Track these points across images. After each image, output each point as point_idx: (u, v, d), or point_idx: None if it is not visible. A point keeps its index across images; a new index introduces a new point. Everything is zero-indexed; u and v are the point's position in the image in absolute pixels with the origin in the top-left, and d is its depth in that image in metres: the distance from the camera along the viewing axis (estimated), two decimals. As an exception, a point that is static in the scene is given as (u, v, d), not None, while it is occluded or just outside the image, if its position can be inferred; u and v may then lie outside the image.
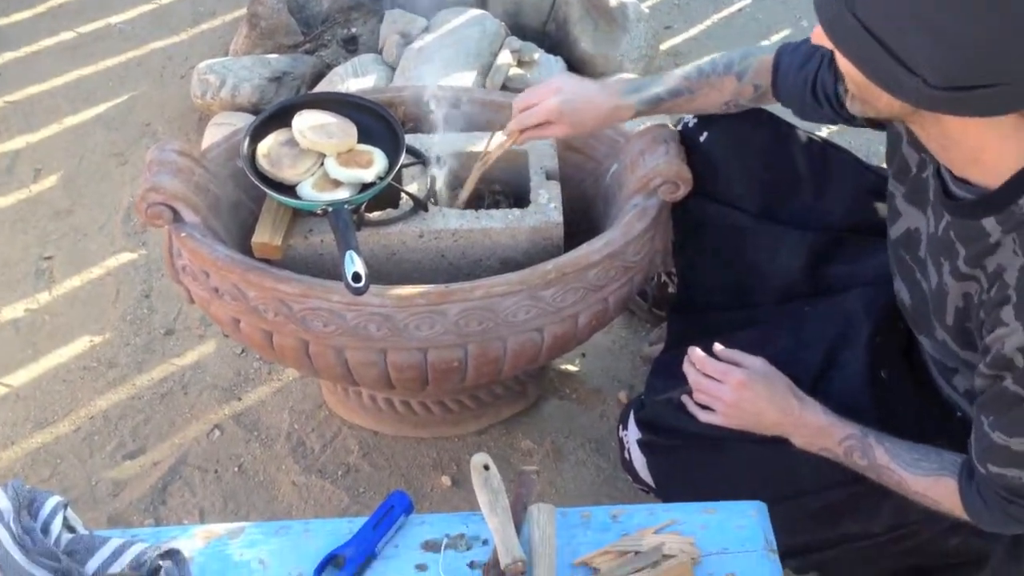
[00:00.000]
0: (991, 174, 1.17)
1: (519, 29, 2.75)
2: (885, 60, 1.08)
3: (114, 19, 3.11)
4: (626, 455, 1.64)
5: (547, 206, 1.69)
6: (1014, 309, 1.16)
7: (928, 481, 1.33)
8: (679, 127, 1.75)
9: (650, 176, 1.66)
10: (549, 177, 1.74)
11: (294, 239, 1.66)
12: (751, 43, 2.99)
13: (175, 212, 1.65)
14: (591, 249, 1.61)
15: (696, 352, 1.50)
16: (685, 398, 1.53)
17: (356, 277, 1.45)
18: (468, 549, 1.28)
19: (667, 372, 1.63)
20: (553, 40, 2.76)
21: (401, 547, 1.28)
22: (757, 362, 1.47)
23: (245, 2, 3.00)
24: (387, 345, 1.59)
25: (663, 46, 2.96)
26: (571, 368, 2.16)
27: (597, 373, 2.16)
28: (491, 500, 1.27)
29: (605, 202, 1.81)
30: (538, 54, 2.59)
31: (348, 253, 1.47)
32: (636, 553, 1.23)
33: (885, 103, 1.15)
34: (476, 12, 2.65)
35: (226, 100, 2.57)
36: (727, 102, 1.65)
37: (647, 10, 2.86)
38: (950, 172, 1.24)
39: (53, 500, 1.28)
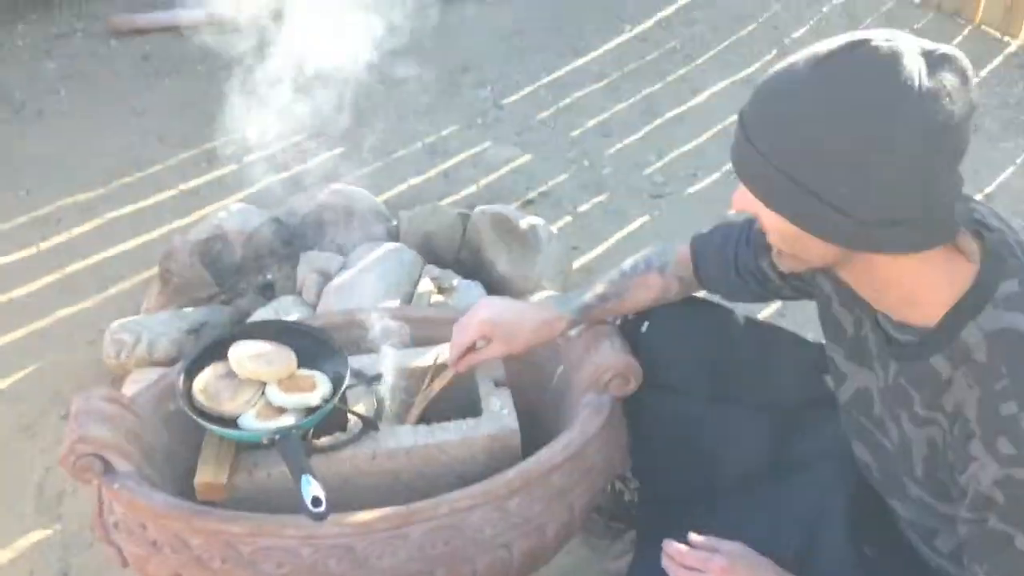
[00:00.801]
0: (930, 313, 1.18)
1: (433, 259, 2.79)
2: (814, 205, 1.10)
3: (16, 292, 3.04)
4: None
5: (500, 413, 1.65)
6: (981, 442, 1.14)
7: None
8: (619, 322, 1.76)
9: (599, 372, 1.64)
10: (498, 384, 1.71)
11: (238, 476, 1.56)
12: (656, 255, 3.11)
13: (105, 463, 1.54)
14: (552, 452, 1.56)
15: (672, 545, 1.43)
16: None
17: (316, 501, 1.36)
18: None
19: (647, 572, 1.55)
20: (468, 267, 2.81)
21: None
22: (736, 546, 1.41)
23: (153, 263, 2.99)
24: (348, 581, 1.47)
25: (575, 265, 3.04)
26: (535, 592, 2.03)
27: (562, 595, 2.04)
28: None
29: (554, 408, 1.78)
30: (456, 280, 2.62)
31: (304, 477, 1.39)
32: None
33: (817, 252, 1.17)
34: (392, 245, 2.69)
35: (142, 357, 2.49)
36: (656, 299, 1.68)
37: (555, 231, 2.95)
38: (888, 319, 1.25)
39: None
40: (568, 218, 3.34)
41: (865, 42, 1.08)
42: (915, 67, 1.06)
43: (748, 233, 1.57)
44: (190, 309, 2.67)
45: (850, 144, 1.07)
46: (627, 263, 1.71)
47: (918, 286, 1.17)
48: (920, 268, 1.16)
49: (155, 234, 3.30)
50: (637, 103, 4.10)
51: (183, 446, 1.69)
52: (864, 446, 1.42)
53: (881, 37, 1.08)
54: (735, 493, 1.64)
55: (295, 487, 1.41)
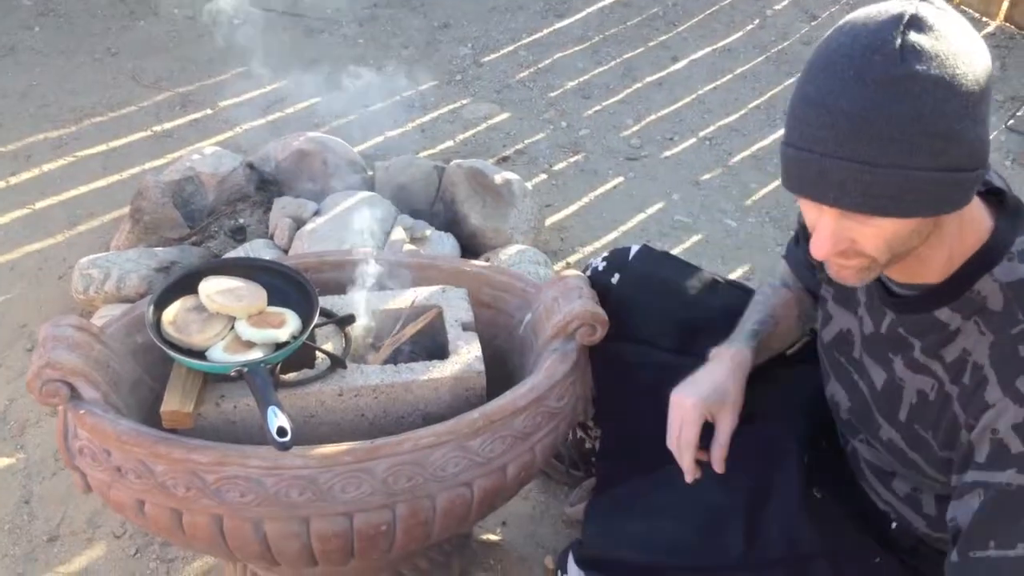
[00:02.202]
0: (938, 271, 1.20)
1: (407, 209, 2.80)
2: (957, 181, 1.08)
3: (-15, 225, 3.02)
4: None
5: (467, 355, 1.67)
6: (998, 386, 1.13)
7: None
8: (589, 272, 1.78)
9: (567, 320, 1.66)
10: (466, 329, 1.73)
11: (204, 407, 1.57)
12: (626, 218, 3.14)
13: (72, 389, 1.54)
14: (516, 395, 1.58)
15: None
16: None
17: (281, 432, 1.37)
18: None
19: (602, 514, 1.58)
20: (442, 218, 2.82)
21: None
22: None
23: (124, 202, 2.98)
24: (310, 512, 1.49)
25: (547, 222, 3.06)
26: (493, 538, 2.07)
27: (520, 541, 2.08)
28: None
29: (521, 354, 1.80)
30: (430, 231, 2.63)
31: (270, 408, 1.40)
32: None
33: (918, 237, 1.13)
34: (366, 194, 2.69)
35: (111, 293, 2.48)
36: (798, 315, 1.63)
37: (530, 188, 2.96)
38: (890, 278, 1.26)
39: None
40: (543, 176, 3.36)
41: (902, 16, 1.06)
42: (950, 16, 1.08)
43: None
44: (160, 248, 2.66)
45: (963, 108, 1.05)
46: (762, 290, 1.67)
47: (933, 247, 1.17)
48: (951, 230, 1.16)
49: (126, 174, 3.28)
50: (617, 67, 4.11)
51: (150, 378, 1.70)
52: (840, 385, 1.44)
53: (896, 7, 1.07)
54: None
55: (261, 418, 1.42)
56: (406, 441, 1.49)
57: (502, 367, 1.83)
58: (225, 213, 2.84)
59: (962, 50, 1.05)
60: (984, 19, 4.36)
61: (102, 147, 3.45)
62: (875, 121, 1.03)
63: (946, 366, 1.22)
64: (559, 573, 1.60)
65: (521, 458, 1.61)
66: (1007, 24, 4.30)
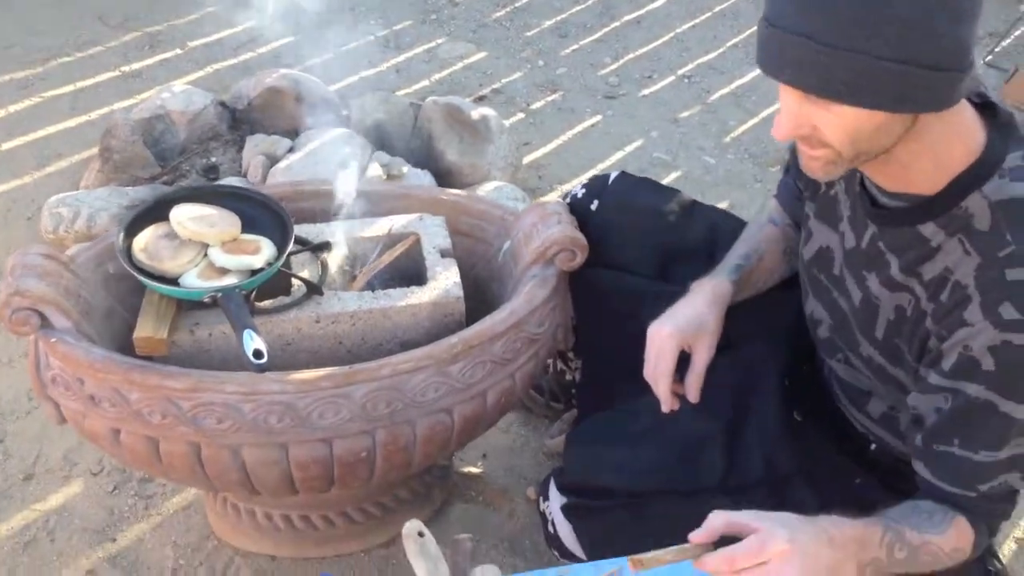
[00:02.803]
0: (929, 181, 1.17)
1: (383, 147, 2.76)
2: (928, 80, 1.04)
3: (-49, 167, 2.95)
4: (550, 528, 1.54)
5: (446, 282, 1.65)
6: (980, 308, 1.12)
7: (953, 531, 1.20)
8: (568, 200, 1.76)
9: (546, 245, 1.65)
10: (444, 255, 1.70)
11: (178, 335, 1.55)
12: (604, 155, 3.11)
13: (42, 318, 1.51)
14: (495, 320, 1.57)
15: (714, 558, 1.14)
16: None
17: (257, 354, 1.35)
18: (408, 629, 1.16)
19: (583, 442, 1.57)
20: (418, 155, 2.78)
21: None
22: (782, 519, 1.15)
23: (93, 143, 2.92)
24: (289, 439, 1.47)
25: (525, 160, 3.02)
26: (474, 470, 2.07)
27: (501, 473, 2.07)
28: (430, 568, 1.17)
29: (500, 282, 1.78)
30: (407, 167, 2.60)
31: (246, 332, 1.38)
32: (590, 609, 1.14)
33: (886, 135, 1.10)
34: (341, 131, 2.64)
35: (81, 232, 2.44)
36: (783, 249, 1.60)
37: (507, 126, 2.93)
38: (878, 187, 1.24)
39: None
40: (520, 115, 3.32)
41: None
42: None
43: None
44: (130, 188, 2.61)
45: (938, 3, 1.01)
46: (748, 228, 1.65)
47: (915, 153, 1.14)
48: (934, 138, 1.13)
49: (95, 115, 3.22)
50: (594, 5, 4.05)
51: (123, 308, 1.67)
52: (819, 303, 1.43)
53: None
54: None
55: (237, 341, 1.40)
56: (385, 366, 1.48)
57: (481, 297, 1.81)
58: (197, 152, 2.79)
59: None
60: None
61: (69, 88, 3.38)
62: (837, 0, 1.01)
63: (924, 283, 1.21)
64: (541, 501, 1.60)
65: (501, 384, 1.60)
66: (986, -39, 4.26)
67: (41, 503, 1.96)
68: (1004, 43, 3.73)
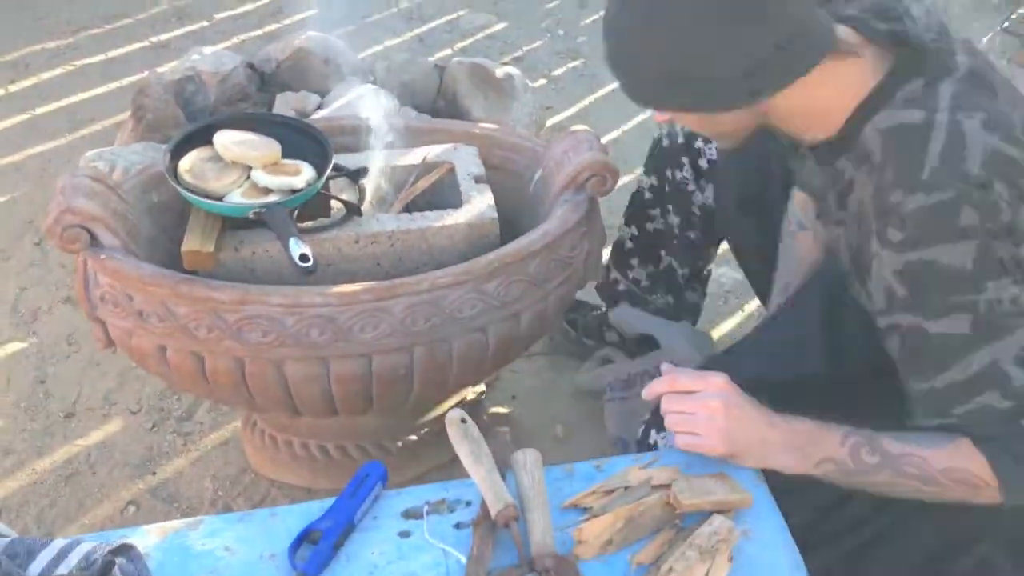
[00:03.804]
0: (827, 127, 1.22)
1: (410, 106, 2.79)
2: (693, 89, 1.15)
3: (-14, 130, 3.02)
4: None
5: (481, 205, 1.68)
6: (876, 236, 1.14)
7: (948, 450, 1.17)
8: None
9: (578, 170, 1.68)
10: (478, 181, 1.74)
11: (223, 253, 1.59)
12: (627, 119, 3.14)
13: (92, 236, 1.55)
14: (530, 240, 1.60)
15: (666, 365, 1.30)
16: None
17: (304, 257, 1.39)
18: (451, 512, 1.20)
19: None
20: (444, 114, 2.81)
21: (380, 517, 1.19)
22: (720, 383, 1.23)
23: (124, 108, 2.97)
24: (330, 353, 1.51)
25: (548, 123, 3.06)
26: (503, 410, 2.10)
27: (530, 413, 2.11)
28: (473, 449, 1.20)
29: (531, 212, 1.81)
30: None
31: (292, 239, 1.42)
32: (625, 488, 1.18)
33: (730, 122, 1.23)
34: (369, 87, 2.68)
35: (118, 184, 2.48)
36: (819, 247, 1.62)
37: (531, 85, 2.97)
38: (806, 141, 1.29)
39: (-17, 504, 1.14)
40: (543, 81, 3.36)
41: None
42: None
43: None
44: (165, 144, 2.66)
45: (676, 25, 1.11)
46: (785, 241, 1.69)
47: (828, 105, 1.20)
48: (815, 92, 1.18)
49: (125, 82, 3.27)
50: (614, -21, 4.08)
51: (165, 237, 1.71)
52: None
53: None
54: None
55: (283, 248, 1.44)
56: (424, 280, 1.52)
57: (513, 231, 1.84)
58: (227, 112, 2.83)
59: None
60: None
61: (100, 57, 3.44)
62: (610, 35, 1.19)
63: (851, 217, 1.24)
64: (654, 433, 1.51)
65: (535, 306, 1.63)
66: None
67: (82, 439, 2.01)
68: (1021, 10, 3.74)
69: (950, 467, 1.16)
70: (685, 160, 1.87)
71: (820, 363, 1.49)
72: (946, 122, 1.12)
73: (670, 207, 1.94)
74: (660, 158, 1.93)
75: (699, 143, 1.85)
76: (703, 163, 1.88)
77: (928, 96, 1.15)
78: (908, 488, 1.17)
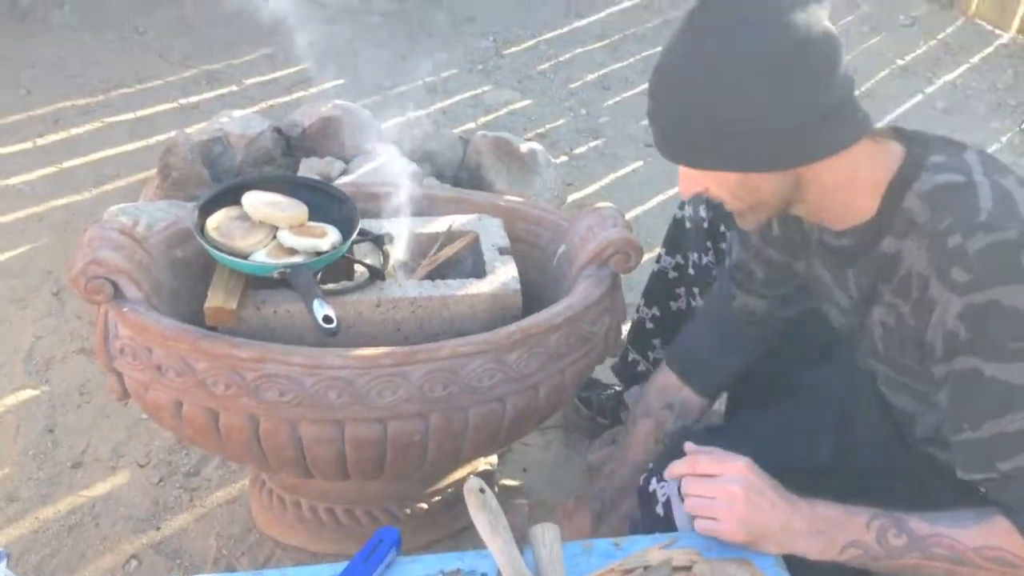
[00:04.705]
0: (862, 210, 1.25)
1: (433, 176, 2.83)
2: (744, 145, 1.17)
3: (13, 180, 3.05)
4: (659, 510, 1.45)
5: (505, 276, 1.69)
6: (939, 282, 1.16)
7: (981, 529, 1.15)
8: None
9: (602, 246, 1.69)
10: (502, 252, 1.75)
11: (245, 311, 1.59)
12: (645, 199, 3.18)
13: (116, 288, 1.56)
14: (552, 313, 1.61)
15: (689, 445, 1.29)
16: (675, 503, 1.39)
17: (327, 319, 1.39)
18: (466, 583, 1.17)
19: (698, 437, 1.48)
20: (467, 186, 2.84)
21: (393, 584, 1.17)
22: (742, 467, 1.22)
23: (149, 165, 3.01)
24: (346, 416, 1.51)
25: (568, 199, 3.09)
26: (514, 482, 2.08)
27: (541, 486, 2.08)
28: (491, 521, 1.19)
29: (554, 287, 1.82)
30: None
31: (316, 300, 1.42)
32: (645, 568, 1.16)
33: (768, 190, 1.23)
34: (394, 154, 2.71)
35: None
36: (657, 440, 1.65)
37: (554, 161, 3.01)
38: (831, 232, 1.31)
39: (-8, 551, 1.13)
40: (564, 158, 3.40)
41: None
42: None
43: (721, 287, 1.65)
44: (189, 203, 2.69)
45: (737, 81, 1.14)
46: (626, 437, 1.71)
47: (861, 184, 1.23)
48: (860, 167, 1.22)
49: (153, 140, 3.32)
50: (636, 63, 4.16)
51: (188, 293, 1.72)
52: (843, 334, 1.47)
53: None
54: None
55: (307, 310, 1.44)
56: (444, 348, 1.52)
57: (535, 303, 1.85)
58: (252, 174, 2.86)
59: (752, 26, 1.13)
60: (997, 31, 4.43)
61: (129, 115, 3.50)
62: (660, 87, 1.21)
63: (894, 290, 1.25)
64: (654, 482, 1.47)
65: (553, 379, 1.63)
66: (1020, 35, 4.37)
67: (88, 490, 1.99)
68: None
69: (985, 545, 1.15)
70: (709, 244, 1.87)
71: (829, 457, 1.48)
72: (987, 182, 1.17)
73: (695, 290, 1.94)
74: (683, 241, 1.93)
75: (722, 227, 1.86)
76: (724, 246, 1.89)
77: (958, 163, 1.21)
78: (939, 570, 1.16)
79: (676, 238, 1.95)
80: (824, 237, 1.34)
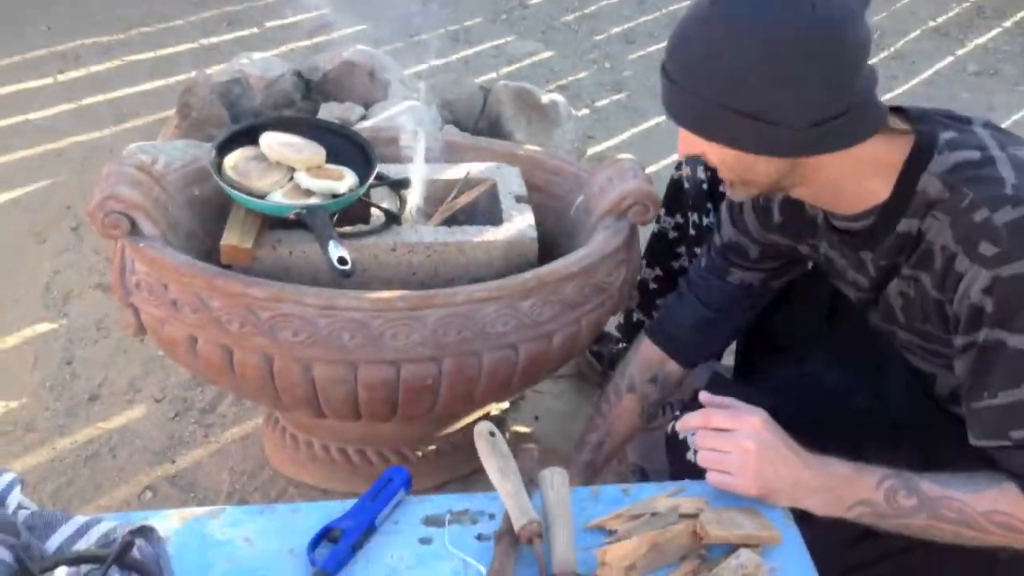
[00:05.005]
0: (876, 193, 1.23)
1: (452, 125, 2.81)
2: (749, 126, 1.14)
3: (33, 115, 3.05)
4: (690, 456, 1.40)
5: (521, 224, 1.68)
6: (965, 256, 1.15)
7: (991, 494, 1.16)
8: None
9: (621, 197, 1.68)
10: (519, 200, 1.74)
11: (260, 250, 1.59)
12: (667, 153, 3.15)
13: (132, 224, 1.57)
14: (568, 262, 1.60)
15: (704, 395, 1.30)
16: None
17: (342, 260, 1.39)
18: (474, 523, 1.19)
19: (721, 386, 1.50)
20: (486, 136, 2.83)
21: (401, 522, 1.19)
22: (757, 420, 1.22)
23: (168, 104, 3.00)
24: (359, 357, 1.51)
25: (588, 152, 3.07)
26: (525, 429, 2.09)
27: (552, 435, 2.09)
28: (500, 465, 1.19)
29: (571, 237, 1.81)
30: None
31: (331, 242, 1.42)
32: (652, 515, 1.16)
33: (763, 170, 1.21)
34: (413, 103, 2.70)
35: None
36: (639, 413, 1.66)
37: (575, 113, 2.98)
38: (843, 217, 1.29)
39: (7, 476, 1.14)
40: (585, 110, 3.37)
41: None
42: None
43: (706, 259, 1.63)
44: (208, 143, 2.68)
45: (761, 60, 1.11)
46: (599, 406, 1.70)
47: (869, 170, 1.22)
48: (867, 154, 1.20)
49: (172, 80, 3.31)
50: (662, 17, 4.12)
51: (203, 232, 1.72)
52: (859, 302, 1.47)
53: None
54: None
55: (322, 251, 1.44)
56: (459, 293, 1.51)
57: (551, 251, 1.84)
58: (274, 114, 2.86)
59: (784, 4, 1.09)
60: (1033, -5, 4.36)
61: (149, 54, 3.49)
62: (681, 46, 1.17)
63: (913, 263, 1.24)
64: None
65: (567, 328, 1.63)
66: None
67: (104, 422, 2.02)
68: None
69: (994, 510, 1.16)
70: (710, 205, 1.85)
71: (864, 409, 1.47)
72: (1005, 155, 1.16)
73: (696, 250, 1.92)
74: (682, 201, 1.90)
75: (721, 188, 1.83)
76: (712, 224, 1.86)
77: (970, 138, 1.20)
78: (946, 532, 1.16)
79: (675, 198, 1.91)
80: (833, 221, 1.33)
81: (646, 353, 1.67)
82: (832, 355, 1.57)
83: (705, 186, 1.83)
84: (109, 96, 3.20)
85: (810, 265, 1.58)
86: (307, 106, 2.93)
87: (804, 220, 1.41)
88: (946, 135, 1.20)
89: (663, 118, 3.36)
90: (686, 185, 1.87)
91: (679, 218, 1.91)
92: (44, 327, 2.25)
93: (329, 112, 2.74)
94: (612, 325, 1.96)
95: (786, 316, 1.67)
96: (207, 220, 1.74)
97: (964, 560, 1.29)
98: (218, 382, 1.66)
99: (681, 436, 1.43)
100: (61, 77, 3.29)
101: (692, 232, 1.89)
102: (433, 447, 1.87)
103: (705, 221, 1.86)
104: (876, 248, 1.28)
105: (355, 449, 1.84)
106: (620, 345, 2.18)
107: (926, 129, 1.21)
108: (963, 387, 1.21)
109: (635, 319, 2.08)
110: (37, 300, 2.32)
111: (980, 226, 1.13)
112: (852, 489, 1.18)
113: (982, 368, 1.17)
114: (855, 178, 1.22)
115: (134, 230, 1.57)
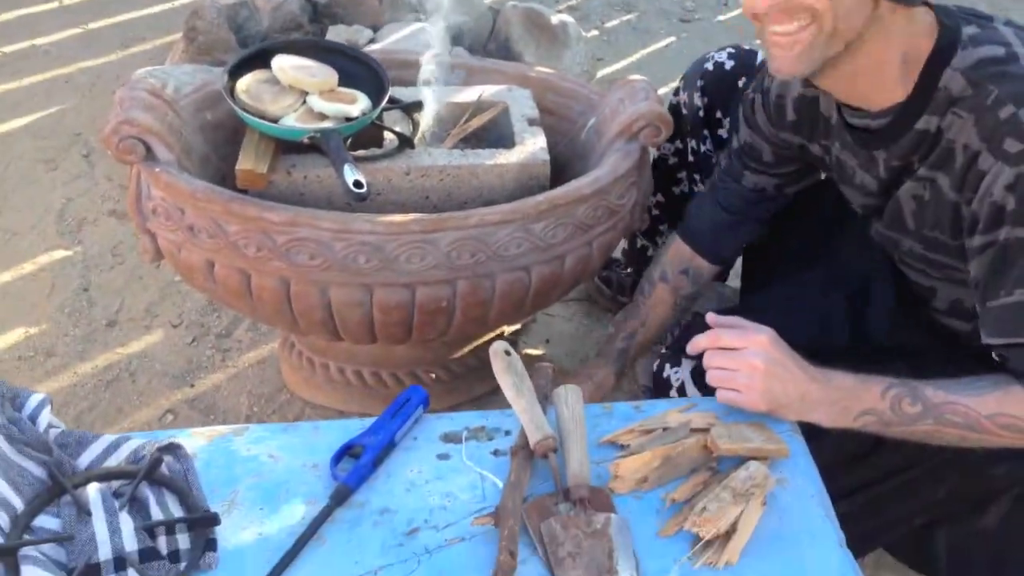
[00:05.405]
0: (898, 86, 1.23)
1: (461, 47, 2.79)
2: None
3: (39, 40, 3.03)
4: (673, 394, 1.52)
5: (533, 146, 1.69)
6: (989, 153, 1.15)
7: (996, 397, 1.18)
8: (710, 66, 1.81)
9: (632, 119, 1.68)
10: (531, 123, 1.75)
11: (276, 174, 1.60)
12: (678, 74, 3.11)
13: (147, 149, 1.57)
14: (580, 184, 1.61)
15: (711, 316, 1.32)
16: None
17: (358, 184, 1.40)
18: (490, 440, 1.22)
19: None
20: (495, 58, 2.80)
21: (420, 439, 1.22)
22: (764, 338, 1.24)
23: (175, 28, 2.99)
24: (374, 280, 1.53)
25: (598, 74, 3.05)
26: (537, 352, 2.13)
27: (563, 357, 2.13)
28: (515, 382, 1.22)
29: (583, 159, 1.82)
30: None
31: (346, 165, 1.43)
32: (664, 430, 1.19)
33: (853, 23, 1.16)
34: (421, 24, 2.68)
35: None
36: (673, 304, 1.70)
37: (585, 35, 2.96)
38: (864, 112, 1.29)
39: (38, 396, 1.18)
40: (595, 32, 3.34)
41: None
42: None
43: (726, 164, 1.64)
44: (216, 68, 2.67)
45: None
46: (637, 297, 1.74)
47: (897, 62, 1.21)
48: (900, 42, 1.20)
49: (178, 3, 3.29)
50: (672, -64, 4.04)
51: (216, 157, 1.73)
52: (862, 208, 1.47)
53: None
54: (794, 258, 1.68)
55: (337, 174, 1.45)
56: (472, 216, 1.53)
57: (563, 174, 1.85)
58: (278, 40, 2.83)
59: None
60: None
61: (154, -22, 3.45)
62: None
63: (931, 164, 1.24)
64: (668, 368, 1.56)
65: (579, 250, 1.64)
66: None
67: (123, 347, 2.05)
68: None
69: (999, 412, 1.18)
70: (707, 132, 1.84)
71: (843, 339, 1.51)
72: None
73: (696, 176, 1.92)
74: (682, 127, 1.87)
75: (718, 114, 1.83)
76: (722, 133, 1.86)
77: (993, 34, 1.20)
78: (951, 436, 1.19)
79: (674, 124, 1.90)
80: (849, 119, 1.32)
81: (676, 248, 1.71)
82: (829, 271, 1.60)
83: (701, 113, 1.82)
84: (115, 20, 3.17)
85: (823, 175, 1.59)
86: (315, 29, 2.91)
87: (818, 119, 1.41)
88: (969, 30, 1.20)
89: (673, 39, 3.33)
90: (684, 111, 1.86)
91: (679, 143, 1.90)
92: (60, 254, 2.27)
93: (337, 35, 2.72)
94: (617, 251, 1.98)
95: (788, 231, 1.69)
96: (220, 144, 1.75)
97: (960, 475, 1.33)
98: (235, 306, 1.68)
99: (664, 375, 1.49)
100: (66, 1, 3.25)
101: (691, 159, 1.89)
102: (448, 369, 1.90)
103: (703, 148, 1.86)
104: (891, 147, 1.29)
105: (370, 372, 1.87)
106: (627, 270, 2.20)
107: (950, 23, 1.21)
108: (977, 288, 1.23)
109: (639, 244, 2.09)
110: (52, 227, 2.34)
111: (1006, 123, 1.14)
112: (857, 400, 1.21)
113: (1000, 267, 1.18)
114: (878, 71, 1.22)
115: (149, 155, 1.58)
